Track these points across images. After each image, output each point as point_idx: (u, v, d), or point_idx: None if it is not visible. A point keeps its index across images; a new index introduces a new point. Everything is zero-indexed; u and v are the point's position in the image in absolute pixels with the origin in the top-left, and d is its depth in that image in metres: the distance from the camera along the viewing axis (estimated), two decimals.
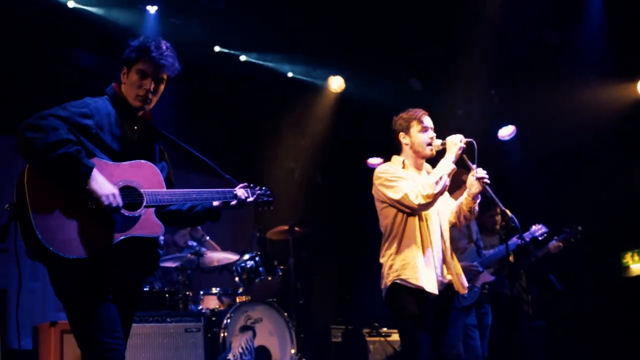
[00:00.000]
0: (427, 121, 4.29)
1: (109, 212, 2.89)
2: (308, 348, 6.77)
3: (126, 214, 2.97)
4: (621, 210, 7.83)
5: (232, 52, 8.11)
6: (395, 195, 4.11)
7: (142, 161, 3.12)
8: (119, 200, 2.91)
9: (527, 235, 6.00)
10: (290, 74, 8.69)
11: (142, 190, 3.04)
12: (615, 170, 8.00)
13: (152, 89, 3.15)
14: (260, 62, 8.36)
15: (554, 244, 6.63)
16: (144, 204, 3.04)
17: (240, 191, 3.43)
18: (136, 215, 3.00)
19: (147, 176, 3.10)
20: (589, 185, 8.21)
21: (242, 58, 8.22)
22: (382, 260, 4.23)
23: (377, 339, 6.86)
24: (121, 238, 2.93)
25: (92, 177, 2.85)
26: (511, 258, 6.37)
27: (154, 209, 3.08)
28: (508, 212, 3.99)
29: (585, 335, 7.99)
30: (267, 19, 7.54)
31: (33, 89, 7.07)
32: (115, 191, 2.91)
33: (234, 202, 3.41)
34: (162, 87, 3.22)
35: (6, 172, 6.83)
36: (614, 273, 8.39)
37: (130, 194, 3.01)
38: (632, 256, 8.40)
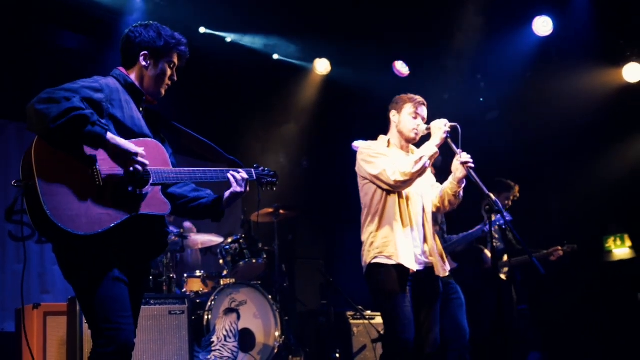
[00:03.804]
0: (422, 110, 4.32)
1: (133, 174, 2.88)
2: (292, 331, 6.79)
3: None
4: (604, 195, 7.88)
5: (217, 33, 8.04)
6: (373, 170, 4.16)
7: (149, 139, 3.10)
8: (145, 160, 2.92)
9: (495, 222, 5.91)
10: (276, 56, 8.63)
11: (148, 168, 3.01)
12: (598, 155, 8.04)
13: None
14: (246, 44, 8.29)
15: (557, 251, 6.72)
16: (151, 181, 3.01)
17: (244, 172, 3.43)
18: (143, 192, 2.98)
19: (153, 154, 3.07)
20: (572, 170, 8.26)
21: (228, 39, 8.15)
22: (363, 237, 4.25)
23: (361, 321, 6.87)
24: (128, 216, 2.90)
25: (111, 136, 2.82)
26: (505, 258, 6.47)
27: (160, 187, 3.07)
28: (492, 195, 4.00)
29: (568, 319, 8.06)
30: (253, 0, 7.48)
31: (16, 70, 6.97)
32: (141, 150, 2.91)
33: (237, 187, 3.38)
34: None
35: None
36: (597, 258, 8.46)
37: None
38: (615, 241, 8.47)
